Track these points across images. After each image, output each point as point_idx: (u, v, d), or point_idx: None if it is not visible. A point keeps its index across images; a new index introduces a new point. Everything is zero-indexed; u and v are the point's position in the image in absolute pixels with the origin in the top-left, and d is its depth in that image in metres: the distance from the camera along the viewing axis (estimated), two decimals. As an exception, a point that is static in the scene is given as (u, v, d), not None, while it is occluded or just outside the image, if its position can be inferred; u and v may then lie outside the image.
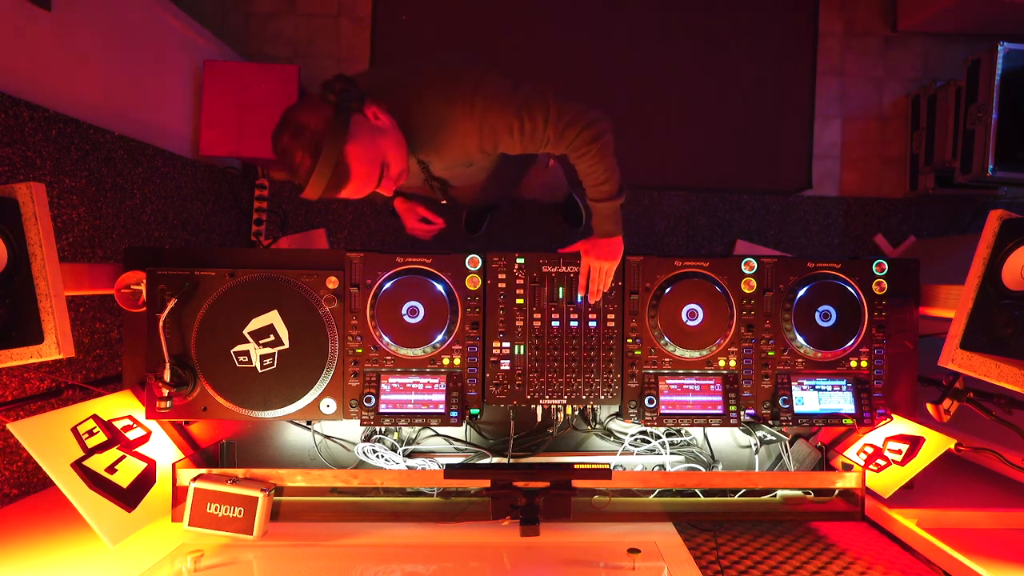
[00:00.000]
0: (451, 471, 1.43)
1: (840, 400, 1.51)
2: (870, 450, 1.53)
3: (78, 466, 1.26)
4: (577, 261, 1.49)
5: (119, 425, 1.40)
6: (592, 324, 1.51)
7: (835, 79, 3.10)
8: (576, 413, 1.57)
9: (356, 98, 1.24)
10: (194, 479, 1.37)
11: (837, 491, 1.54)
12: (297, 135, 1.19)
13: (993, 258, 1.24)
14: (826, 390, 1.52)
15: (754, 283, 1.52)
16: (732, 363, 1.52)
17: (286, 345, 1.44)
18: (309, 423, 1.58)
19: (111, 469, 1.32)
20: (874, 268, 1.52)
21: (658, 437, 1.60)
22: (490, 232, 2.84)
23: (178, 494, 1.39)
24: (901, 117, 3.10)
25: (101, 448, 1.33)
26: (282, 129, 1.21)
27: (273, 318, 1.44)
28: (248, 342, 1.43)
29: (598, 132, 1.32)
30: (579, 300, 1.50)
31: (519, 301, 1.50)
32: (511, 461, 1.57)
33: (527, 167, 1.92)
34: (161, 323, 1.39)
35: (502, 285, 1.50)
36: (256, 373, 1.44)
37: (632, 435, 1.61)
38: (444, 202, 1.70)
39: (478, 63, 1.36)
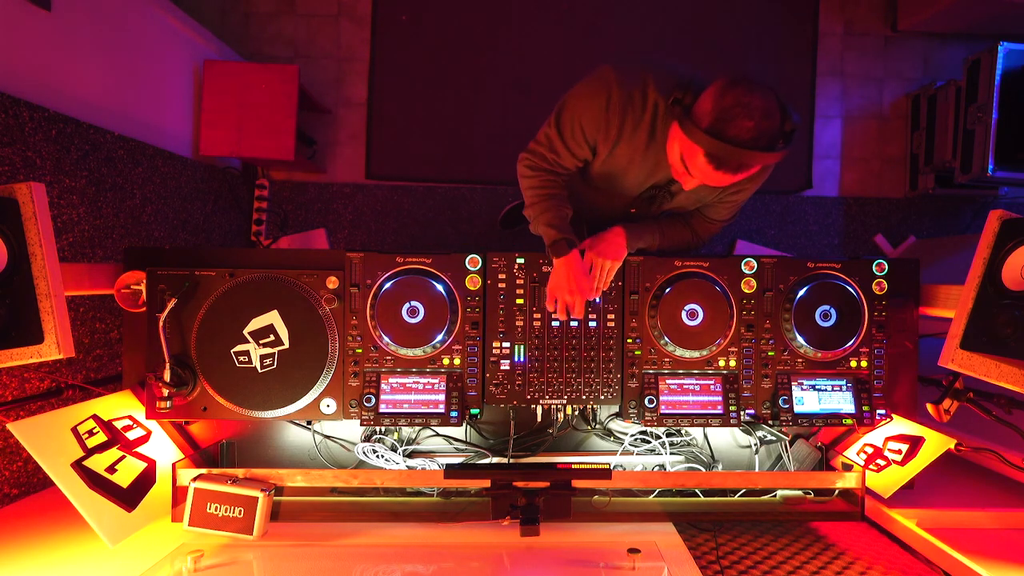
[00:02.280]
0: (451, 471, 1.43)
1: (840, 400, 1.51)
2: (870, 450, 1.53)
3: (78, 466, 1.26)
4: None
5: (119, 425, 1.40)
6: (592, 324, 1.51)
7: (835, 79, 3.10)
8: (576, 413, 1.57)
9: (793, 142, 1.25)
10: (194, 479, 1.37)
11: (837, 491, 1.54)
12: (768, 116, 1.17)
13: (993, 258, 1.24)
14: (826, 390, 1.52)
15: (754, 283, 1.52)
16: (732, 363, 1.52)
17: (286, 345, 1.44)
18: (309, 423, 1.58)
19: (111, 469, 1.32)
20: (874, 268, 1.52)
21: (658, 437, 1.60)
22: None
23: (178, 494, 1.39)
24: (901, 117, 3.10)
25: (101, 448, 1.33)
26: (763, 94, 1.18)
27: (273, 318, 1.44)
28: (248, 342, 1.43)
29: (706, 243, 1.66)
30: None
31: (519, 301, 1.50)
32: (511, 461, 1.57)
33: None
34: (161, 323, 1.39)
35: (502, 285, 1.50)
36: (256, 373, 1.44)
37: (632, 435, 1.61)
38: (633, 210, 1.63)
39: None
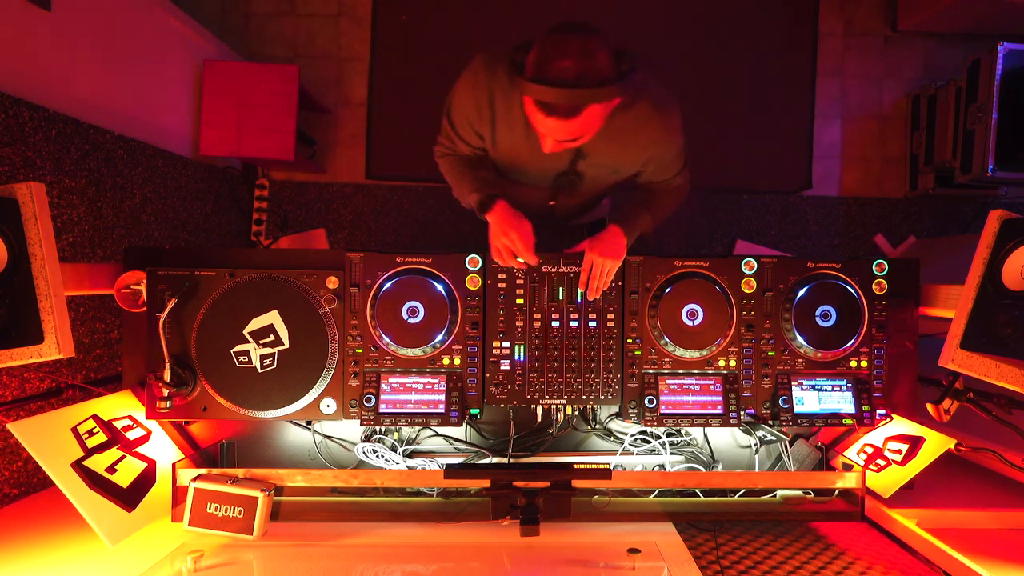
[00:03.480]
0: (451, 471, 1.43)
1: (840, 400, 1.51)
2: (870, 450, 1.53)
3: (78, 466, 1.26)
4: (577, 262, 1.49)
5: (119, 425, 1.40)
6: (592, 324, 1.51)
7: (835, 79, 3.10)
8: (576, 413, 1.57)
9: (631, 83, 1.24)
10: (194, 479, 1.37)
11: (837, 491, 1.54)
12: (586, 54, 1.16)
13: (993, 258, 1.24)
14: (826, 390, 1.52)
15: (754, 283, 1.52)
16: (732, 363, 1.52)
17: (286, 345, 1.44)
18: (309, 423, 1.58)
19: (111, 469, 1.32)
20: (874, 268, 1.52)
21: (658, 437, 1.60)
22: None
23: (178, 494, 1.39)
24: (901, 117, 3.10)
25: (101, 448, 1.33)
26: (579, 33, 1.17)
27: (273, 318, 1.44)
28: (248, 342, 1.43)
29: (686, 196, 1.67)
30: (579, 300, 1.50)
31: (519, 301, 1.50)
32: (511, 461, 1.57)
33: (604, 198, 1.95)
34: (161, 323, 1.39)
35: (502, 285, 1.50)
36: (256, 373, 1.44)
37: (632, 435, 1.61)
38: (552, 203, 1.68)
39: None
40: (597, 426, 1.62)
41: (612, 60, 1.19)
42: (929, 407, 1.43)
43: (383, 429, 1.57)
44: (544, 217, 1.65)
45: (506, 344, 1.50)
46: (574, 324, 1.50)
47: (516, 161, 1.54)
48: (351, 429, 1.60)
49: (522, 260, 1.44)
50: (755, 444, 1.61)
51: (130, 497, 1.32)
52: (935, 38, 3.07)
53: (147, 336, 1.43)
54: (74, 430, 1.31)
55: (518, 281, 1.50)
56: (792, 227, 3.08)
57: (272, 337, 1.44)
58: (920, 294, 1.56)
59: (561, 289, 1.50)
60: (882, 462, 1.49)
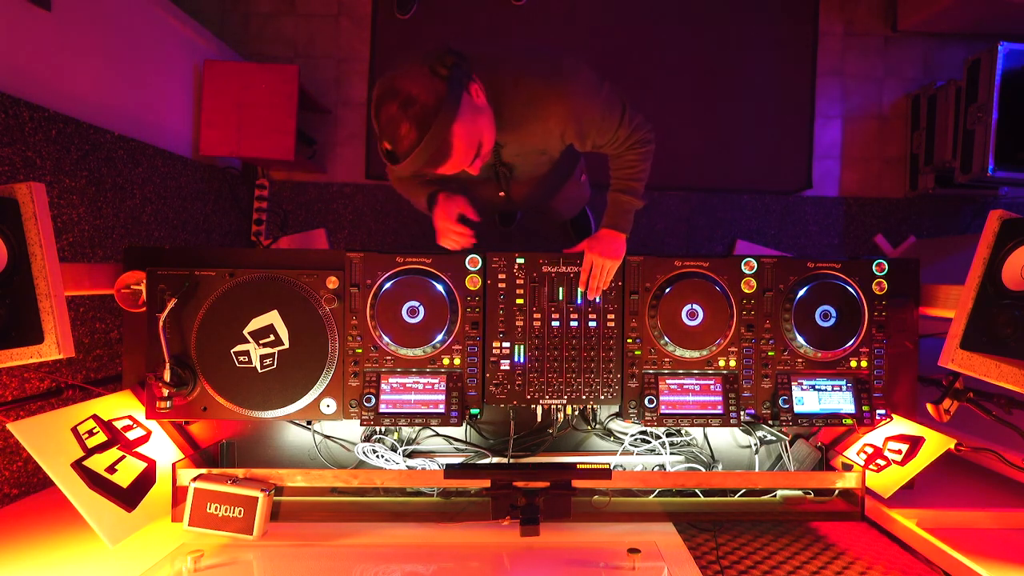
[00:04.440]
0: (451, 471, 1.43)
1: (840, 400, 1.51)
2: (870, 450, 1.53)
3: (78, 466, 1.26)
4: (577, 262, 1.49)
5: (119, 425, 1.40)
6: (592, 324, 1.51)
7: (835, 79, 3.10)
8: (576, 413, 1.57)
9: (466, 74, 1.21)
10: (194, 479, 1.37)
11: (837, 491, 1.54)
12: (406, 106, 1.14)
13: (993, 258, 1.24)
14: (826, 390, 1.52)
15: (754, 283, 1.52)
16: (732, 363, 1.52)
17: (286, 345, 1.44)
18: (309, 423, 1.58)
19: (111, 469, 1.32)
20: (874, 268, 1.52)
21: (658, 437, 1.60)
22: (517, 230, 2.83)
23: (178, 494, 1.39)
24: (901, 117, 3.10)
25: (101, 448, 1.33)
26: (388, 97, 1.16)
27: (273, 318, 1.44)
28: (248, 342, 1.43)
29: (652, 138, 1.49)
30: (579, 300, 1.50)
31: (519, 301, 1.50)
32: (511, 461, 1.57)
33: (570, 174, 1.93)
34: (161, 323, 1.39)
35: (502, 285, 1.50)
36: (256, 373, 1.44)
37: (632, 435, 1.61)
38: (502, 194, 1.67)
39: (571, 53, 1.37)
40: (597, 426, 1.62)
41: (430, 80, 1.15)
42: (929, 407, 1.43)
43: (383, 429, 1.57)
44: (507, 206, 1.64)
45: (506, 344, 1.50)
46: (574, 324, 1.50)
47: (458, 177, 1.54)
48: (351, 429, 1.60)
49: (469, 228, 1.48)
50: (755, 444, 1.61)
51: (130, 497, 1.32)
52: (935, 38, 3.07)
53: (147, 336, 1.43)
54: (74, 430, 1.31)
55: (518, 281, 1.50)
56: (792, 227, 3.08)
57: (272, 337, 1.44)
58: (920, 294, 1.56)
59: (561, 289, 1.50)
60: (882, 462, 1.49)
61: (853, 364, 1.53)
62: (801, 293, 1.50)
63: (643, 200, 1.51)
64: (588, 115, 1.38)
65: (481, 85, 1.25)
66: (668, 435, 1.60)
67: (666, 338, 1.49)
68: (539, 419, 1.54)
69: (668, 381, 1.50)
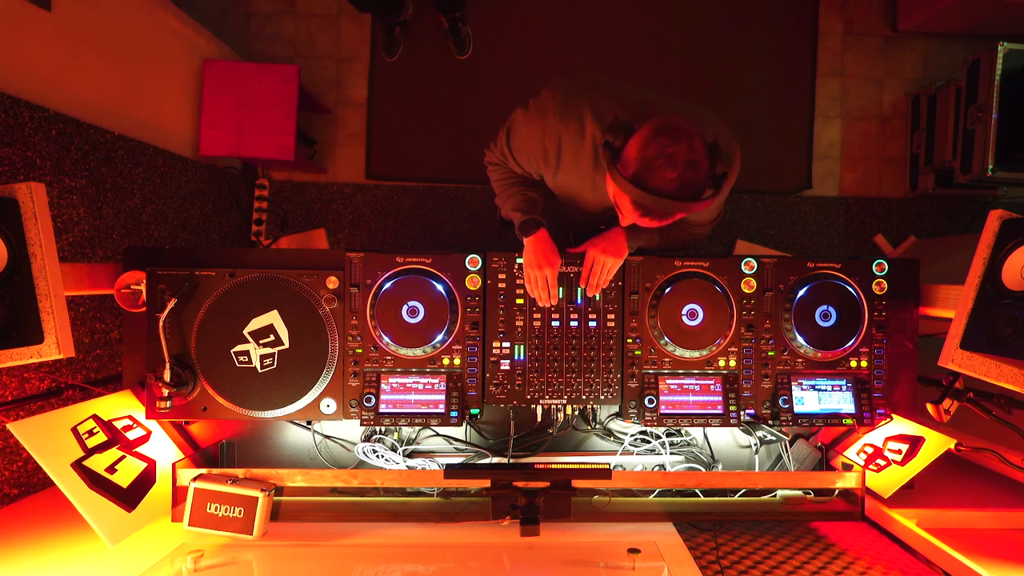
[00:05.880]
0: (451, 471, 1.43)
1: (840, 400, 1.51)
2: (870, 450, 1.53)
3: (78, 466, 1.26)
4: (578, 262, 1.49)
5: (119, 425, 1.40)
6: (592, 324, 1.51)
7: (835, 79, 3.10)
8: (576, 413, 1.57)
9: (722, 184, 1.24)
10: (194, 479, 1.37)
11: (837, 491, 1.54)
12: (691, 166, 1.14)
13: (993, 258, 1.24)
14: (826, 390, 1.52)
15: (754, 283, 1.52)
16: (732, 363, 1.52)
17: (286, 345, 1.44)
18: (309, 423, 1.58)
19: (111, 469, 1.32)
20: (874, 268, 1.52)
21: (658, 437, 1.60)
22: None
23: (178, 494, 1.39)
24: (901, 117, 3.10)
25: (101, 448, 1.33)
26: (687, 140, 1.14)
27: (273, 318, 1.44)
28: (248, 342, 1.43)
29: (706, 241, 1.68)
30: (579, 300, 1.51)
31: (519, 301, 1.50)
32: (511, 461, 1.57)
33: None
34: (161, 323, 1.39)
35: (502, 285, 1.50)
36: (256, 373, 1.44)
37: (632, 435, 1.61)
38: (603, 227, 1.64)
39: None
40: (597, 426, 1.62)
41: (711, 165, 1.18)
42: (929, 407, 1.43)
43: (383, 429, 1.57)
44: (585, 227, 1.63)
45: (506, 344, 1.50)
46: (574, 324, 1.50)
47: (574, 197, 1.52)
48: (351, 429, 1.60)
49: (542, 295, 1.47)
50: (755, 444, 1.61)
51: (130, 497, 1.32)
52: (935, 38, 3.07)
53: (147, 336, 1.43)
54: (74, 430, 1.31)
55: (518, 281, 1.50)
56: (792, 227, 3.08)
57: (272, 337, 1.44)
58: (920, 294, 1.56)
59: (561, 289, 1.50)
60: (882, 462, 1.49)
61: (853, 364, 1.53)
62: (801, 293, 1.50)
63: (657, 246, 1.56)
64: (719, 203, 1.52)
65: None
66: (668, 435, 1.60)
67: (666, 338, 1.49)
68: (539, 419, 1.54)
69: (668, 381, 1.50)
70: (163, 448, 1.47)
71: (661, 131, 1.15)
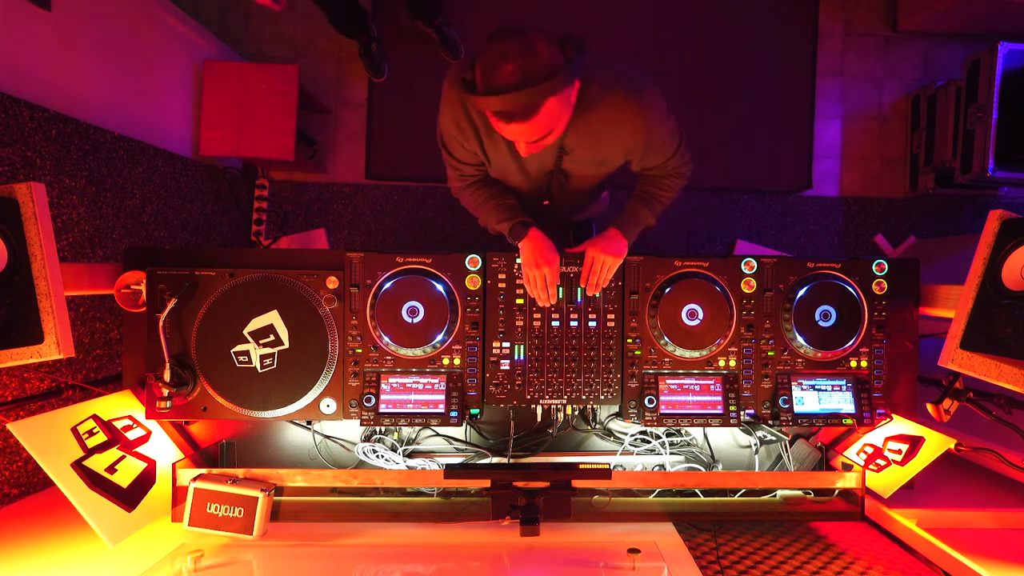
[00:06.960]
0: (451, 471, 1.43)
1: (840, 400, 1.51)
2: (870, 450, 1.53)
3: (78, 466, 1.26)
4: (578, 262, 1.49)
5: (119, 425, 1.40)
6: (592, 324, 1.51)
7: (835, 79, 3.10)
8: (576, 413, 1.57)
9: (577, 70, 1.23)
10: (194, 479, 1.37)
11: (837, 491, 1.54)
12: (523, 53, 1.13)
13: (993, 258, 1.24)
14: (826, 390, 1.52)
15: (754, 283, 1.52)
16: (732, 363, 1.52)
17: (286, 345, 1.44)
18: (309, 423, 1.58)
19: (111, 469, 1.32)
20: (874, 268, 1.52)
21: (658, 437, 1.60)
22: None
23: (178, 494, 1.39)
24: (901, 117, 3.10)
25: (101, 448, 1.33)
26: (512, 35, 1.15)
27: (273, 318, 1.44)
28: (248, 342, 1.43)
29: (689, 175, 1.60)
30: (579, 300, 1.51)
31: (519, 301, 1.50)
32: (511, 461, 1.57)
33: (601, 191, 1.95)
34: (161, 323, 1.39)
35: (502, 285, 1.50)
36: (256, 373, 1.44)
37: (632, 435, 1.61)
38: (546, 203, 1.70)
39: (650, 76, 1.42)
40: (597, 426, 1.62)
41: (556, 50, 1.17)
42: (929, 407, 1.43)
43: (383, 429, 1.57)
44: (541, 215, 1.64)
45: (506, 344, 1.50)
46: (574, 324, 1.50)
47: (507, 171, 1.54)
48: (351, 429, 1.60)
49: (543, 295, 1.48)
50: (755, 444, 1.61)
51: (130, 497, 1.32)
52: (935, 38, 3.07)
53: (147, 336, 1.43)
54: (74, 430, 1.31)
55: (518, 281, 1.50)
56: (792, 227, 3.08)
57: (272, 337, 1.44)
58: (920, 294, 1.56)
59: (561, 289, 1.50)
60: (882, 462, 1.49)
61: (853, 364, 1.53)
62: (801, 293, 1.50)
63: (655, 220, 1.57)
64: (658, 134, 1.45)
65: (577, 87, 1.28)
66: (668, 435, 1.60)
67: (666, 338, 1.49)
68: (539, 419, 1.54)
69: (668, 381, 1.50)
70: (163, 448, 1.47)
71: (493, 37, 1.17)
